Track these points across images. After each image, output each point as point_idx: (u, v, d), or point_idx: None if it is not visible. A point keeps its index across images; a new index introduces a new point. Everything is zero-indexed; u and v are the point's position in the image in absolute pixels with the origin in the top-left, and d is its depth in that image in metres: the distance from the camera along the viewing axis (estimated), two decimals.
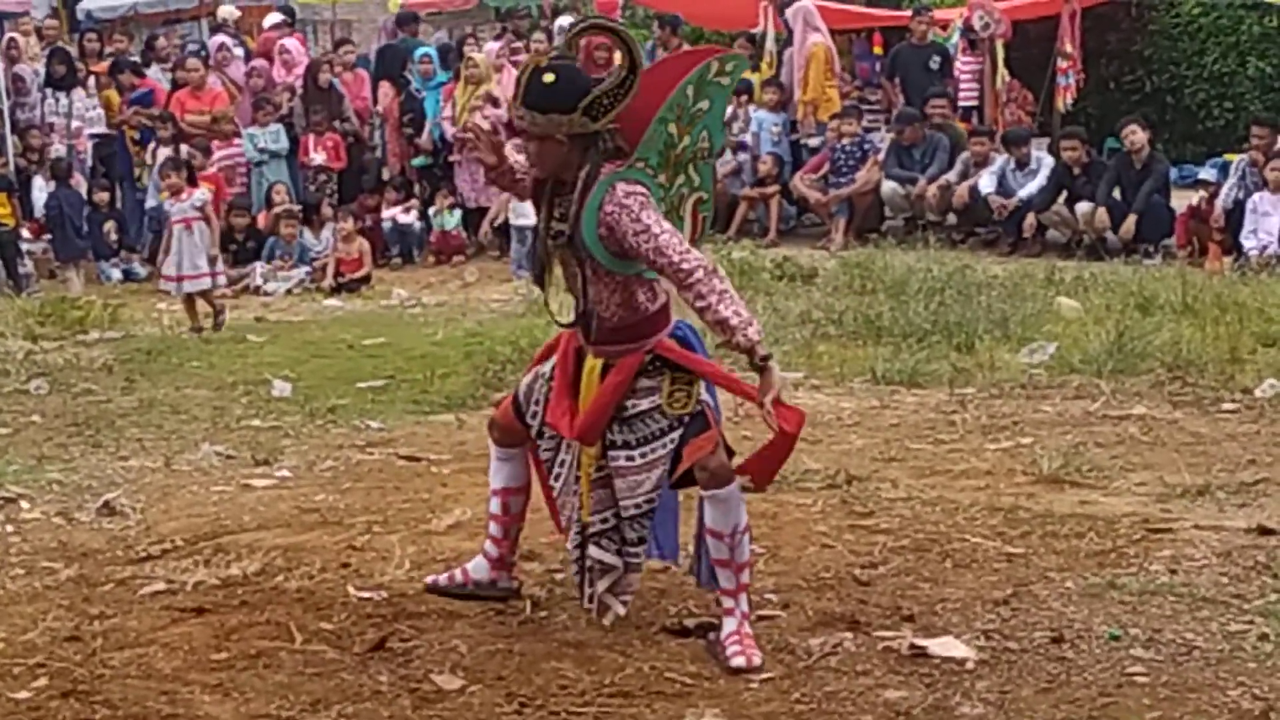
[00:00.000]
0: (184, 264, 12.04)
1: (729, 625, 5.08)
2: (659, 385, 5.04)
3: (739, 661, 4.94)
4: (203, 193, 12.67)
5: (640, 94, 4.91)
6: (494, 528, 5.59)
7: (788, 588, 5.63)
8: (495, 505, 5.58)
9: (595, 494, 5.19)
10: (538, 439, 5.37)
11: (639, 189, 4.87)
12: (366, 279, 14.88)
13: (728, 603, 5.11)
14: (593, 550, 5.23)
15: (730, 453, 5.11)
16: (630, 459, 5.07)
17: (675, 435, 5.02)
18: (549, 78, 4.86)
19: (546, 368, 5.33)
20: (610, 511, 5.18)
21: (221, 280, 12.77)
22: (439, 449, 7.82)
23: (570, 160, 4.93)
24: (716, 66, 5.02)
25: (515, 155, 5.31)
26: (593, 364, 5.13)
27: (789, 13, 16.88)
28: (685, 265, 4.79)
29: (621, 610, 5.29)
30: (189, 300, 12.16)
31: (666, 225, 4.84)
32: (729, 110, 17.07)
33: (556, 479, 5.34)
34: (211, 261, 12.19)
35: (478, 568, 5.60)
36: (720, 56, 5.08)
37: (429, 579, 5.73)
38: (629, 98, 4.89)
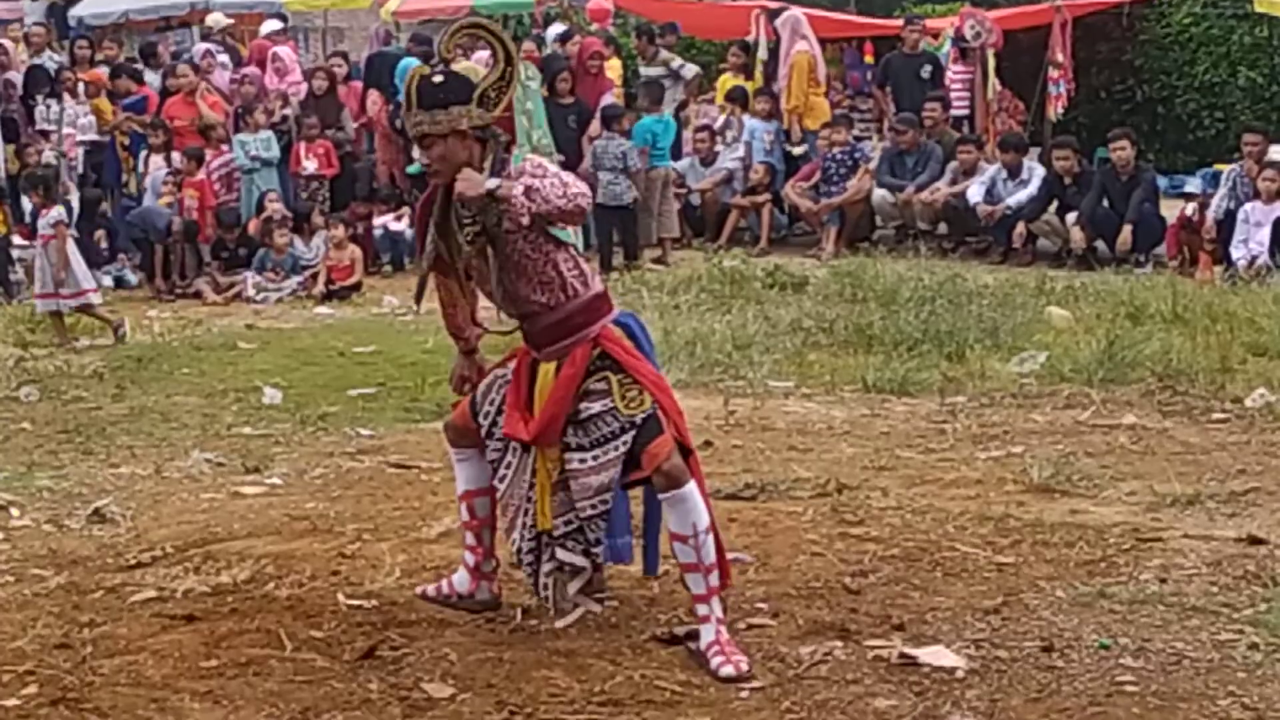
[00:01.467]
0: (46, 281, 11.94)
1: (707, 634, 5.08)
2: (608, 387, 5.09)
3: (728, 671, 4.93)
4: (58, 212, 12.43)
5: None
6: (467, 536, 5.62)
7: (778, 596, 5.63)
8: (464, 512, 5.62)
9: (556, 497, 5.23)
10: (486, 439, 5.40)
11: (537, 157, 5.17)
12: (358, 286, 14.86)
13: (701, 609, 5.11)
14: (560, 554, 5.28)
15: (686, 451, 5.13)
16: (583, 461, 5.12)
17: (628, 437, 5.05)
18: (438, 79, 5.10)
19: (507, 370, 5.37)
20: (572, 513, 5.21)
21: (83, 301, 12.18)
22: (430, 457, 7.81)
23: (474, 157, 5.06)
24: (524, 71, 5.35)
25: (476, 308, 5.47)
26: (545, 369, 5.19)
27: (778, 22, 16.93)
28: (583, 190, 4.99)
29: (598, 609, 5.33)
30: (54, 316, 12.01)
31: (550, 171, 5.05)
32: (720, 119, 17.15)
33: (501, 480, 5.38)
34: (58, 284, 11.92)
35: (460, 580, 5.63)
36: (522, 63, 5.47)
37: (419, 588, 5.74)
38: (512, 88, 5.09)
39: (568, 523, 5.23)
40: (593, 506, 5.14)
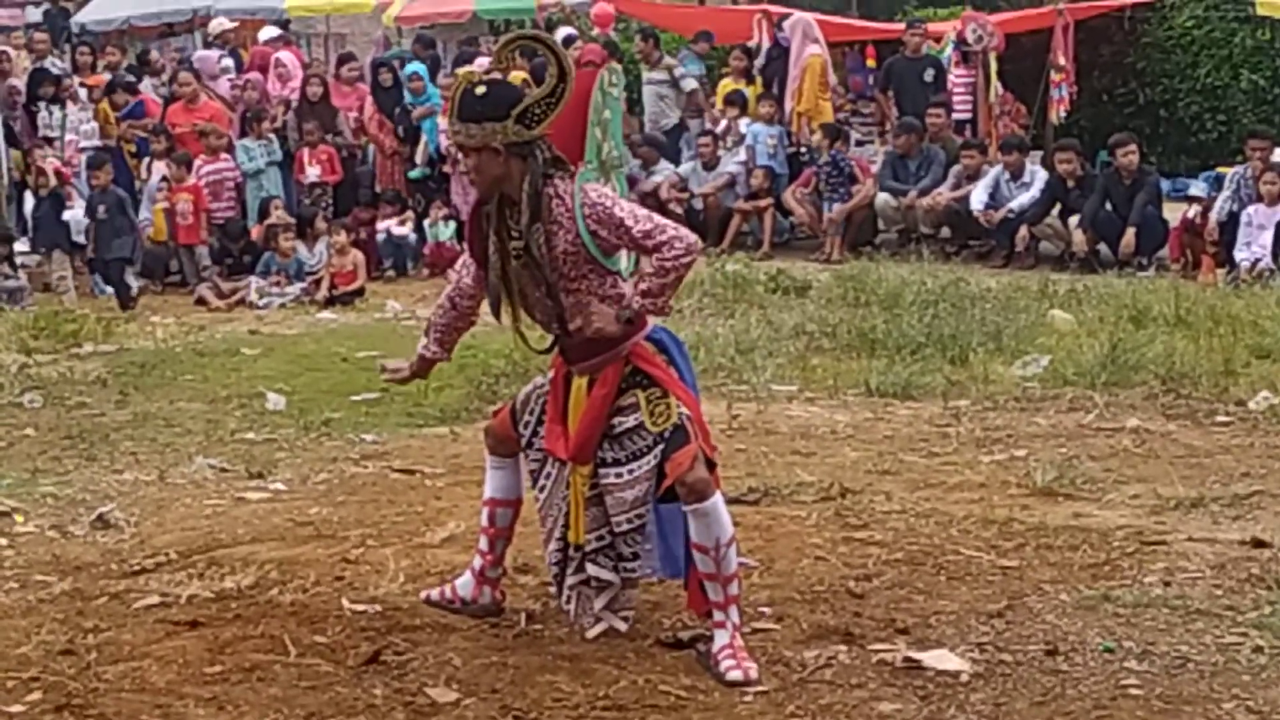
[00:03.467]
0: None
1: (720, 638, 5.08)
2: (638, 402, 5.09)
3: (735, 675, 4.93)
4: None
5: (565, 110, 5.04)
6: (481, 540, 5.63)
7: (782, 600, 5.63)
8: (483, 516, 5.62)
9: (589, 512, 5.22)
10: (526, 449, 5.40)
11: (600, 187, 5.06)
12: (360, 292, 14.87)
13: (718, 616, 5.11)
14: (590, 568, 5.27)
15: (711, 465, 5.10)
16: (619, 475, 5.12)
17: (658, 451, 5.04)
18: (480, 90, 4.99)
19: (545, 380, 5.36)
20: (605, 529, 5.21)
21: None
22: (433, 462, 7.82)
23: (510, 172, 4.99)
24: (607, 77, 5.24)
25: (461, 281, 5.43)
26: (578, 383, 5.19)
27: (788, 24, 16.90)
28: (674, 233, 4.93)
29: (622, 626, 5.31)
30: None
31: (641, 210, 5.03)
32: (723, 124, 17.15)
33: (541, 490, 5.37)
34: None
35: (464, 584, 5.62)
36: (608, 68, 5.35)
37: (422, 592, 5.74)
38: (561, 105, 4.98)
39: (600, 538, 5.23)
40: (629, 521, 5.14)
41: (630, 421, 5.09)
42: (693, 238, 4.98)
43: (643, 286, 4.98)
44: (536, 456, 5.37)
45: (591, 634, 5.29)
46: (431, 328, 5.58)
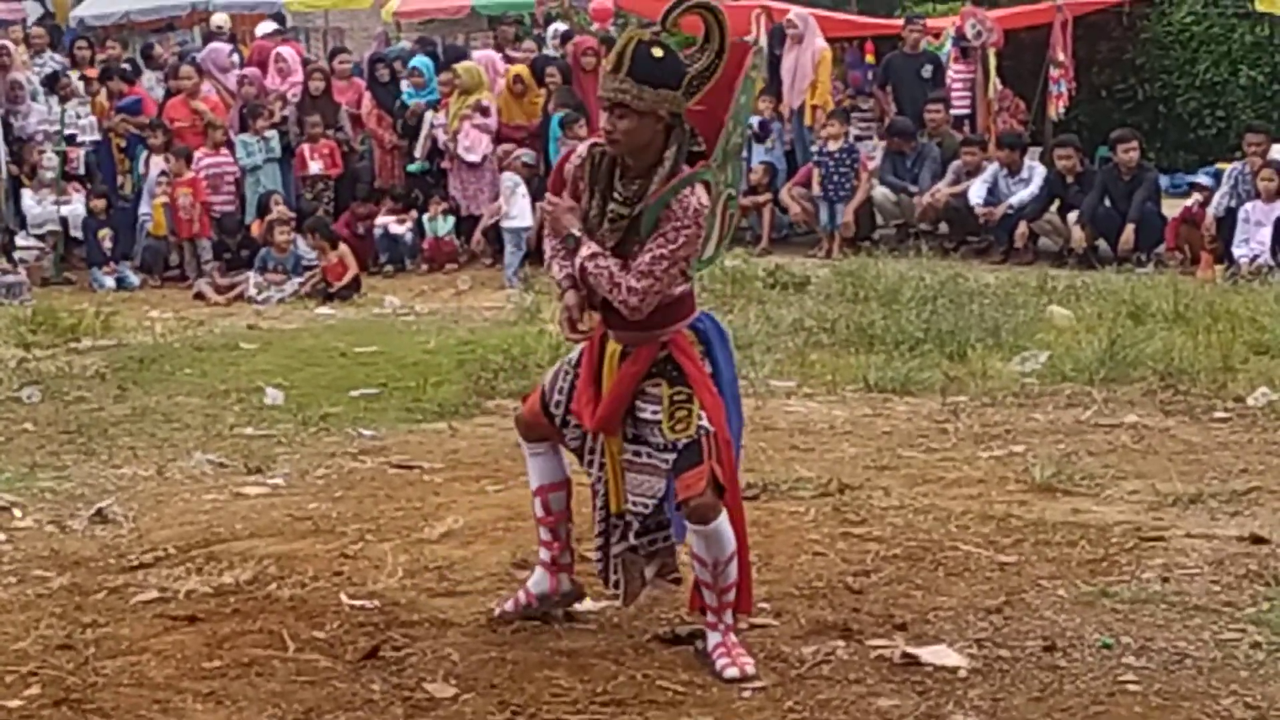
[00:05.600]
0: None
1: (713, 637, 5.06)
2: (660, 397, 4.95)
3: (732, 673, 4.91)
4: None
5: (708, 91, 4.90)
6: (541, 531, 5.43)
7: (780, 596, 5.63)
8: (537, 507, 5.42)
9: (628, 479, 5.09)
10: (562, 429, 5.27)
11: (708, 204, 4.83)
12: (356, 284, 14.84)
13: (711, 617, 5.08)
14: (633, 537, 5.15)
15: (720, 490, 4.93)
16: (637, 454, 5.02)
17: (668, 457, 4.93)
18: (658, 52, 4.78)
19: (573, 355, 5.25)
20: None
21: None
22: (432, 457, 7.82)
23: (656, 142, 4.83)
24: (750, 60, 5.03)
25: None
26: (613, 349, 5.04)
27: (795, 17, 16.83)
28: (637, 286, 4.80)
29: (672, 588, 5.27)
30: None
31: (683, 253, 4.81)
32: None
33: (590, 465, 5.23)
34: None
35: (537, 581, 5.45)
36: (756, 48, 5.15)
37: (496, 609, 5.51)
38: (713, 80, 4.85)
39: (630, 509, 5.11)
40: (644, 505, 5.05)
41: (649, 413, 4.97)
42: (636, 305, 4.80)
43: (602, 260, 4.85)
44: (576, 435, 5.23)
45: (634, 604, 5.24)
46: (555, 255, 5.14)
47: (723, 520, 4.93)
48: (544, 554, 5.45)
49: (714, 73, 4.86)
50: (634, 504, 5.08)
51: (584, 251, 4.91)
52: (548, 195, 5.17)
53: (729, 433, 5.00)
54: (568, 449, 5.34)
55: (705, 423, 4.91)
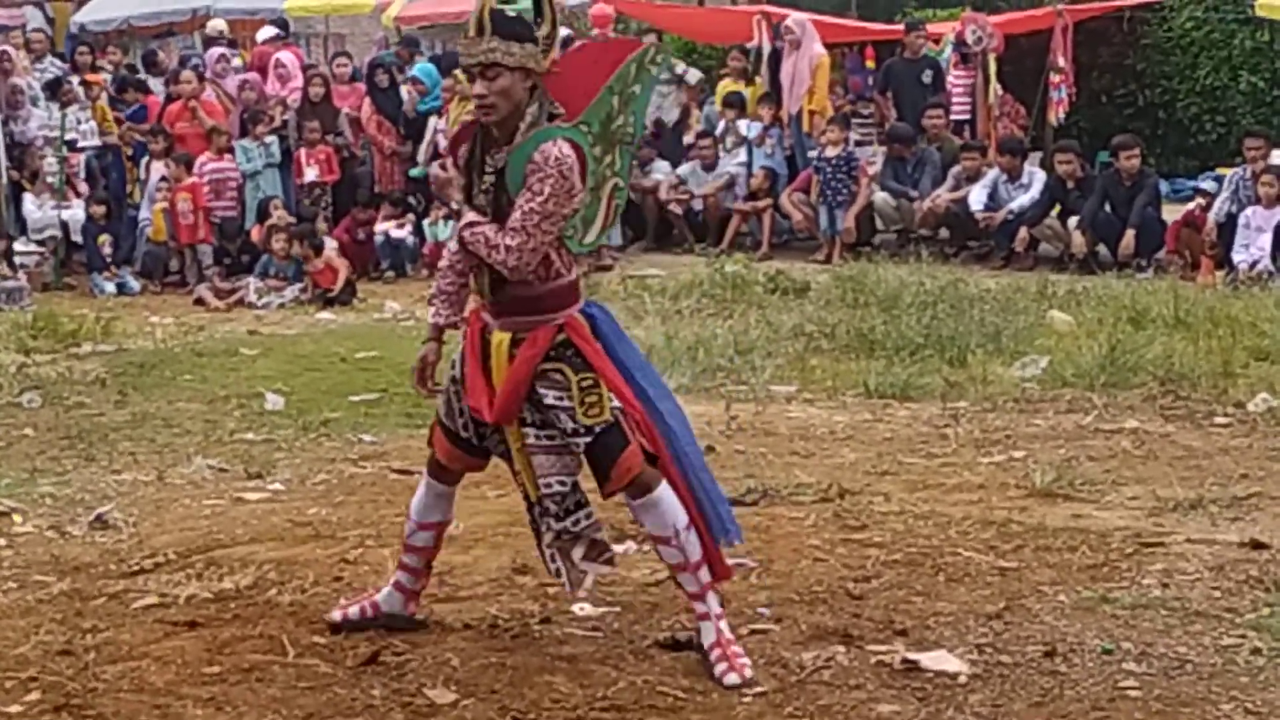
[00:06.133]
0: None
1: (708, 634, 5.05)
2: (566, 383, 4.94)
3: (732, 679, 4.91)
4: None
5: (582, 70, 4.99)
6: (407, 557, 5.44)
7: (780, 601, 5.63)
8: (409, 531, 5.42)
9: (538, 462, 5.08)
10: (483, 444, 5.22)
11: (572, 156, 4.85)
12: (351, 288, 14.80)
13: (699, 607, 5.09)
14: (554, 522, 5.11)
15: (651, 459, 5.00)
16: (537, 437, 5.01)
17: (583, 441, 4.94)
18: (512, 10, 4.87)
19: (454, 371, 5.22)
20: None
21: None
22: None
23: (522, 104, 4.88)
24: (651, 54, 5.09)
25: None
26: (500, 339, 5.03)
27: (792, 23, 16.83)
28: (512, 244, 4.83)
29: (608, 570, 5.23)
30: None
31: (552, 206, 4.81)
32: (721, 125, 17.16)
33: (508, 461, 5.22)
34: None
35: (388, 599, 5.44)
36: (656, 45, 5.27)
37: (337, 613, 5.46)
38: (551, 55, 4.90)
39: (541, 495, 5.09)
40: (549, 487, 5.03)
41: (552, 398, 4.95)
42: (515, 264, 4.84)
43: (478, 226, 4.90)
44: (497, 442, 5.19)
45: (581, 591, 5.21)
46: (438, 295, 5.32)
47: (664, 487, 4.99)
48: (404, 577, 5.44)
49: (551, 44, 4.90)
50: (546, 486, 5.05)
51: (463, 220, 4.97)
52: (434, 164, 5.29)
53: (640, 407, 5.03)
54: (498, 458, 5.28)
55: (616, 403, 4.96)
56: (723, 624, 5.08)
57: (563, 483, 5.03)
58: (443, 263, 5.34)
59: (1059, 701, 4.75)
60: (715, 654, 5.00)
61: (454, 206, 5.09)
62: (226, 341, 12.06)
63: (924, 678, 4.93)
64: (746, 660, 4.99)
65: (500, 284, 4.99)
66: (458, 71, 16.37)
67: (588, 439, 4.94)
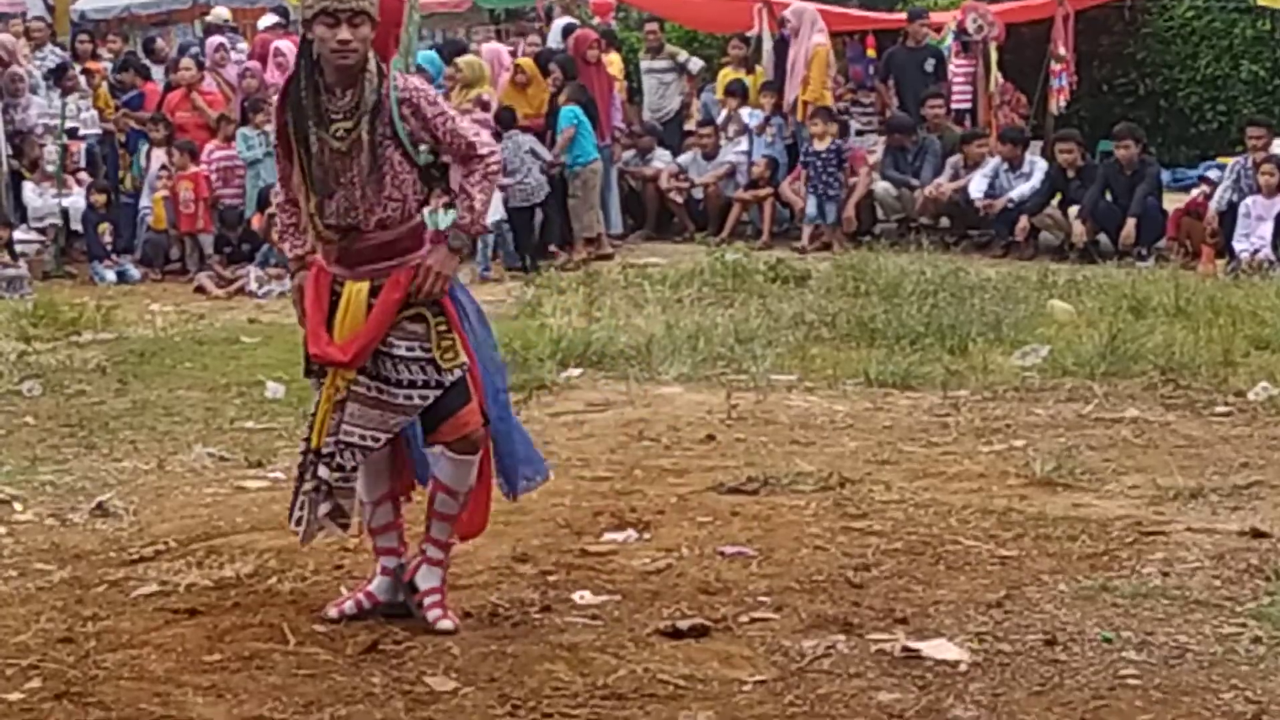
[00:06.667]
0: None
1: (432, 579, 5.28)
2: (425, 331, 5.08)
3: (446, 625, 5.17)
4: None
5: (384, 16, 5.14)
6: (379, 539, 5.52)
7: (781, 590, 5.63)
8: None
9: (334, 417, 5.14)
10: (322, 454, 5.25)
11: (417, 79, 5.19)
12: None
13: (434, 554, 5.29)
14: (322, 471, 5.18)
15: (486, 420, 5.19)
16: (367, 388, 5.09)
17: (432, 394, 5.06)
18: None
19: (313, 404, 5.28)
20: (337, 436, 5.15)
21: None
22: None
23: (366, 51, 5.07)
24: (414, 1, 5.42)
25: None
26: (357, 288, 5.10)
27: (790, 12, 16.82)
28: (483, 140, 5.08)
29: (341, 533, 5.40)
30: None
31: (455, 110, 5.15)
32: (722, 114, 17.14)
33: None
34: None
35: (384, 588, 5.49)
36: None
37: (332, 611, 5.45)
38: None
39: (336, 443, 5.15)
40: (361, 438, 5.10)
41: (403, 349, 5.05)
42: (499, 155, 5.13)
43: (468, 204, 5.04)
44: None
45: (309, 541, 5.35)
46: (285, 230, 5.39)
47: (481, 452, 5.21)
48: (386, 560, 5.47)
49: None
50: (347, 434, 5.11)
51: (465, 214, 5.10)
52: (257, 219, 5.49)
53: (479, 369, 5.20)
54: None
55: (464, 357, 5.11)
56: (445, 574, 5.30)
57: (376, 438, 5.13)
58: (280, 198, 5.43)
59: (1059, 690, 4.75)
60: (432, 599, 5.23)
61: (288, 254, 5.31)
62: (227, 330, 12.06)
63: (924, 666, 4.94)
64: (453, 613, 5.24)
65: (356, 234, 5.09)
66: (458, 60, 16.38)
67: (438, 391, 5.06)
